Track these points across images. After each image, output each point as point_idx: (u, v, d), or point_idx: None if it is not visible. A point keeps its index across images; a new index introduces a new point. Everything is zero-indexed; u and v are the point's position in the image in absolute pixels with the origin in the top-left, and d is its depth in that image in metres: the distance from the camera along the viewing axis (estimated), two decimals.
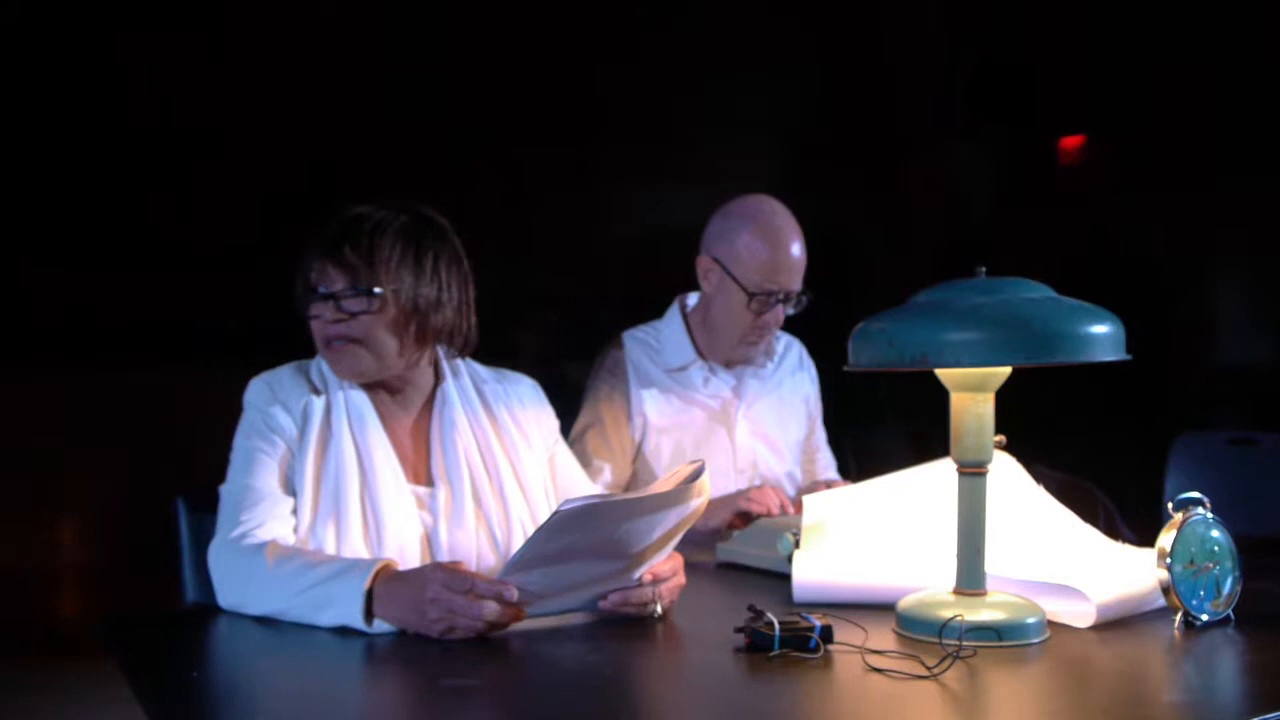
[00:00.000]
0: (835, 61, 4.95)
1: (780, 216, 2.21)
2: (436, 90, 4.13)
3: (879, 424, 4.25)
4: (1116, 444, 4.14)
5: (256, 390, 1.64)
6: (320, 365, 1.67)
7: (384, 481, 1.60)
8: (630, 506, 1.37)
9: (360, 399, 1.65)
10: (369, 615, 1.39)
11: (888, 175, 5.01)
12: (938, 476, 1.63)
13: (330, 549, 1.55)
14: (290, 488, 1.58)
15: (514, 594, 1.36)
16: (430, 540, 1.62)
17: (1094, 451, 4.01)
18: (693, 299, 2.36)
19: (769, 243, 2.18)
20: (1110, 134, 4.80)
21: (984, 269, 1.41)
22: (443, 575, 1.36)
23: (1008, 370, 1.38)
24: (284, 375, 1.66)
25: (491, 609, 1.35)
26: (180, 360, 3.86)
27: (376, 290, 1.58)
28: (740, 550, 1.87)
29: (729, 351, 2.29)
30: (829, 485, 2.22)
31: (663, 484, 1.47)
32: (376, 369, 1.64)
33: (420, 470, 1.67)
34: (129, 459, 3.80)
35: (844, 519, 1.67)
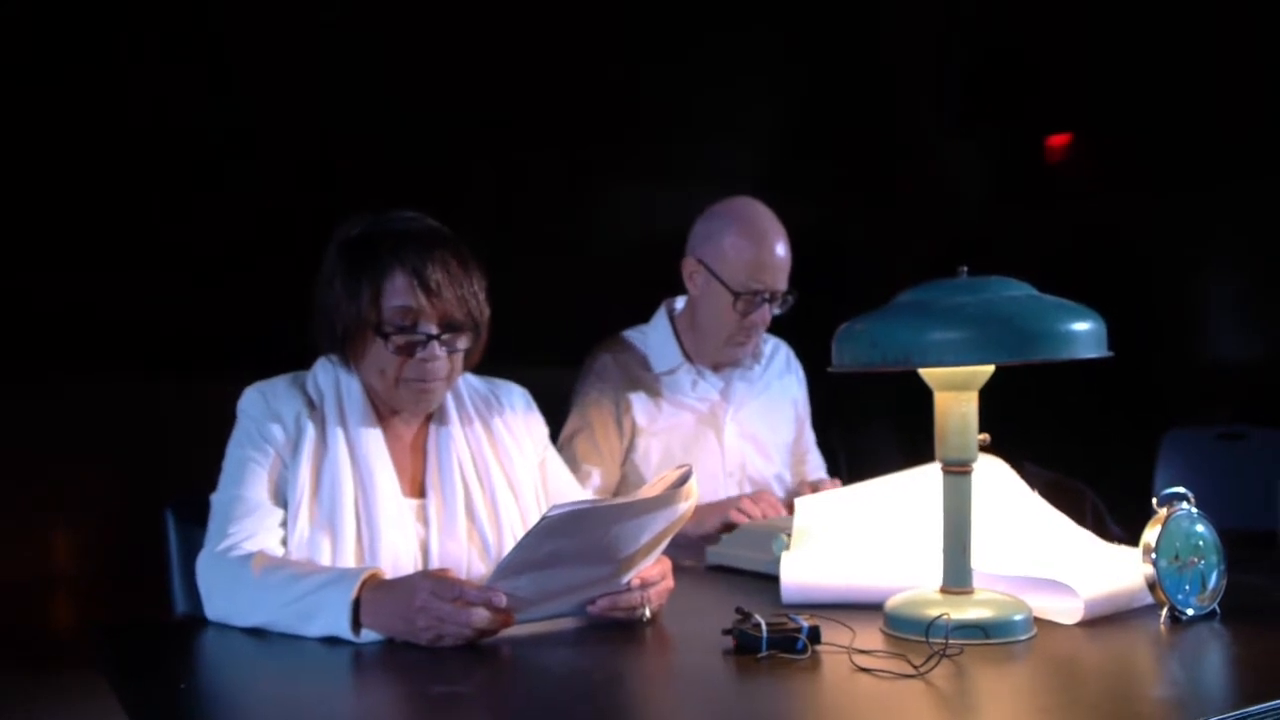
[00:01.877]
0: (828, 62, 4.96)
1: (765, 217, 2.22)
2: (433, 93, 4.13)
3: (869, 425, 4.25)
4: (1107, 441, 4.15)
5: (251, 400, 1.64)
6: (316, 378, 1.67)
7: (382, 495, 1.60)
8: (617, 511, 1.37)
9: (366, 413, 1.65)
10: (356, 625, 1.39)
11: (880, 176, 5.02)
12: (927, 479, 1.63)
13: (325, 562, 1.55)
14: (281, 498, 1.58)
15: (502, 600, 1.36)
16: (423, 552, 1.62)
17: (1085, 448, 4.02)
18: (680, 303, 2.37)
19: (754, 243, 2.18)
20: (1099, 132, 4.82)
21: (965, 268, 1.41)
22: (430, 583, 1.36)
23: (990, 369, 1.39)
24: (279, 386, 1.66)
25: (480, 616, 1.35)
26: (174, 368, 3.85)
27: (477, 327, 1.62)
28: (730, 553, 1.87)
29: (716, 354, 2.30)
30: (816, 487, 2.22)
31: (650, 489, 1.47)
32: (443, 398, 1.68)
33: (415, 482, 1.68)
34: (121, 467, 3.79)
35: (834, 521, 1.67)
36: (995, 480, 1.68)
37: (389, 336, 1.58)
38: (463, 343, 1.63)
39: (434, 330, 1.59)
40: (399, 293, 1.57)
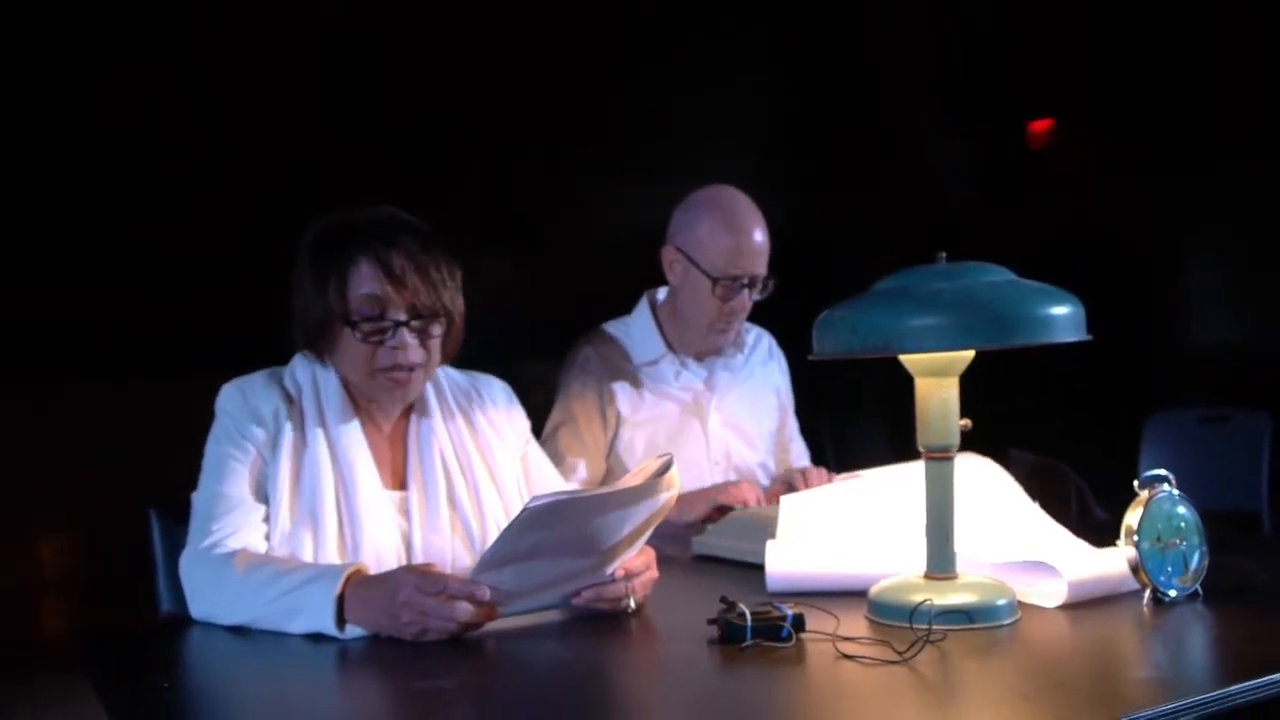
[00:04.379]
0: (812, 57, 4.97)
1: (741, 204, 2.23)
2: (427, 95, 4.12)
3: (857, 415, 4.26)
4: (1091, 425, 4.17)
5: (229, 397, 1.63)
6: (294, 373, 1.67)
7: (363, 488, 1.60)
8: (599, 501, 1.37)
9: (344, 407, 1.64)
10: (340, 621, 1.39)
11: (865, 167, 5.03)
12: (912, 475, 1.63)
13: (307, 556, 1.54)
14: (262, 494, 1.58)
15: (486, 594, 1.36)
16: (405, 544, 1.62)
17: (1069, 433, 4.04)
18: (661, 294, 2.37)
19: (731, 229, 2.19)
20: (1081, 119, 4.83)
21: (944, 254, 1.41)
22: (414, 578, 1.36)
23: (970, 354, 1.39)
24: (257, 382, 1.65)
25: (464, 610, 1.35)
26: (161, 370, 3.84)
27: (448, 314, 1.61)
28: (716, 543, 1.87)
29: (699, 342, 2.30)
30: (805, 474, 2.22)
31: (631, 478, 1.47)
32: (421, 388, 1.67)
33: (396, 475, 1.67)
34: (104, 470, 3.78)
35: (819, 517, 1.67)
36: (981, 475, 1.68)
37: (356, 325, 1.58)
38: (436, 330, 1.62)
39: (402, 317, 1.58)
40: (364, 281, 1.57)
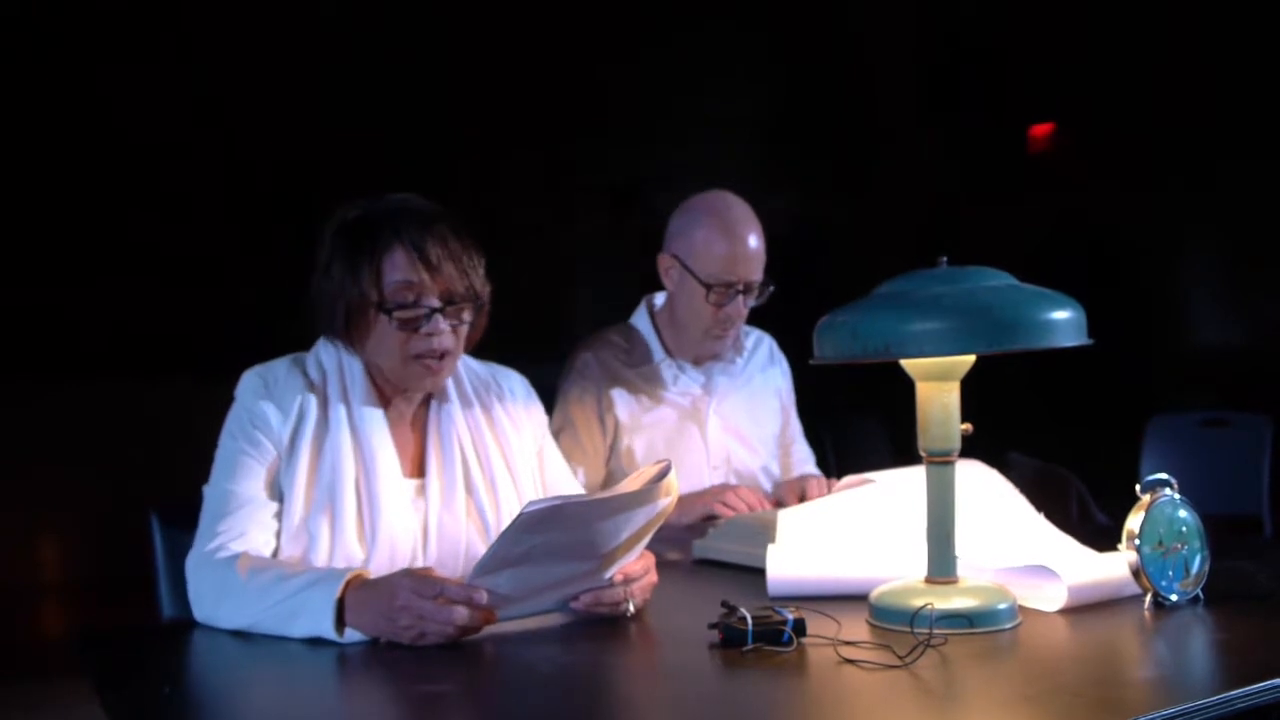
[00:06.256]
0: (809, 59, 4.97)
1: (736, 209, 2.22)
2: (413, 92, 4.12)
3: (859, 418, 4.26)
4: (1092, 429, 4.17)
5: (249, 385, 1.62)
6: (318, 358, 1.66)
7: (383, 475, 1.60)
8: (597, 507, 1.37)
9: (368, 395, 1.64)
10: (340, 625, 1.39)
11: (863, 170, 5.04)
12: (912, 480, 1.63)
13: (324, 542, 1.54)
14: (275, 491, 1.57)
15: (484, 598, 1.36)
16: (423, 532, 1.62)
17: (1069, 437, 4.04)
18: (660, 299, 2.37)
19: (725, 235, 2.19)
20: (1082, 123, 4.83)
21: (945, 259, 1.41)
22: (411, 582, 1.35)
23: (971, 359, 1.39)
24: (279, 370, 1.64)
25: (461, 614, 1.34)
26: (158, 371, 3.84)
27: (479, 300, 1.61)
28: (717, 546, 1.87)
29: (696, 347, 2.30)
30: (803, 488, 2.21)
31: (629, 483, 1.46)
32: (449, 375, 1.67)
33: (416, 462, 1.67)
34: (104, 470, 3.78)
35: (820, 522, 1.67)
36: (980, 481, 1.68)
37: (392, 313, 1.57)
38: (466, 315, 1.62)
39: (436, 304, 1.58)
40: (399, 268, 1.57)
